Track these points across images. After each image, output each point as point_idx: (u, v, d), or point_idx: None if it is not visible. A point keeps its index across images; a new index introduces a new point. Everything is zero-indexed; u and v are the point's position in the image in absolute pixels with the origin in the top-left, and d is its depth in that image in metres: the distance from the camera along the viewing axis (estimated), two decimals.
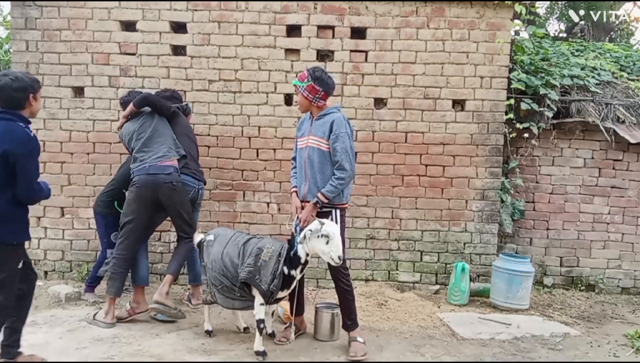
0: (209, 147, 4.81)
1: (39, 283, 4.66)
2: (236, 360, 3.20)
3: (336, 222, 3.26)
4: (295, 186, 3.47)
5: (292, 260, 3.17)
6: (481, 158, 4.82)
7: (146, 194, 3.72)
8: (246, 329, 3.68)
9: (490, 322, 4.10)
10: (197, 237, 3.69)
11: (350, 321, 3.40)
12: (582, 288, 5.11)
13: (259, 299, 3.22)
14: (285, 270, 3.17)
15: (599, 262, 5.14)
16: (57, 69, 4.77)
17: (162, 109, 3.94)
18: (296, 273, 3.21)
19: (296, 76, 3.59)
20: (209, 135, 4.81)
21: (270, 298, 3.21)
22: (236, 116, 4.81)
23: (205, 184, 4.24)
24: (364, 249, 4.87)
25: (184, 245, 3.91)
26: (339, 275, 3.35)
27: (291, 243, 3.25)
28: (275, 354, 3.30)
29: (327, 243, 3.01)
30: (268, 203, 4.87)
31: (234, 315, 3.74)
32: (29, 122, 2.78)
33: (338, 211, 3.31)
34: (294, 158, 3.56)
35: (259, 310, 3.21)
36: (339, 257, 3.02)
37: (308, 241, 3.07)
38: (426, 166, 4.83)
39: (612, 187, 5.09)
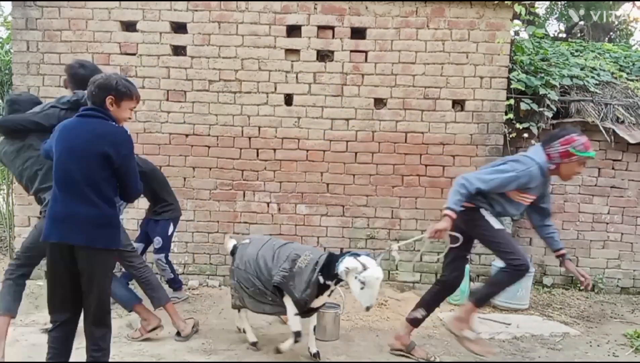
0: (209, 147, 4.82)
1: (39, 283, 4.69)
2: (236, 360, 3.21)
3: (481, 222, 3.05)
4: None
5: (331, 273, 2.95)
6: (481, 158, 4.82)
7: None
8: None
9: (490, 321, 4.11)
10: (230, 243, 3.53)
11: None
12: (582, 288, 5.10)
13: (292, 309, 3.05)
14: (321, 279, 2.97)
15: (599, 262, 5.15)
16: (58, 69, 4.77)
17: (28, 127, 3.05)
18: (331, 284, 3.00)
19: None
20: (209, 135, 4.81)
21: (304, 308, 3.04)
22: (236, 116, 4.82)
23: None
24: (364, 249, 4.87)
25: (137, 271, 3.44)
26: None
27: (334, 256, 3.02)
28: (275, 354, 3.31)
29: (362, 289, 2.79)
30: (268, 203, 4.88)
31: (239, 317, 3.55)
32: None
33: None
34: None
35: (294, 321, 3.05)
36: (367, 308, 2.80)
37: (346, 276, 2.87)
38: (426, 166, 4.84)
39: (611, 187, 5.09)
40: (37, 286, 4.60)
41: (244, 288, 3.22)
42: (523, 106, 4.86)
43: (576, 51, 6.14)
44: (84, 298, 2.48)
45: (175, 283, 4.37)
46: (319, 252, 3.13)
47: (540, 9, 11.16)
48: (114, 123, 2.50)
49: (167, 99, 4.81)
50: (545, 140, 3.06)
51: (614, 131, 4.92)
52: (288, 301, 3.05)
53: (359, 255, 2.88)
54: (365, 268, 2.78)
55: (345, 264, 2.85)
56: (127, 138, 2.48)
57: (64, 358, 2.52)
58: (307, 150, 4.82)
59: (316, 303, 3.08)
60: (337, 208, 4.87)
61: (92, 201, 2.39)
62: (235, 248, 3.44)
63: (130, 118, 2.64)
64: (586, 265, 5.14)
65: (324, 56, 4.81)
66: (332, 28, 4.76)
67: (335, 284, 3.01)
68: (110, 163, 2.41)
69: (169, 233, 4.22)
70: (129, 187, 2.54)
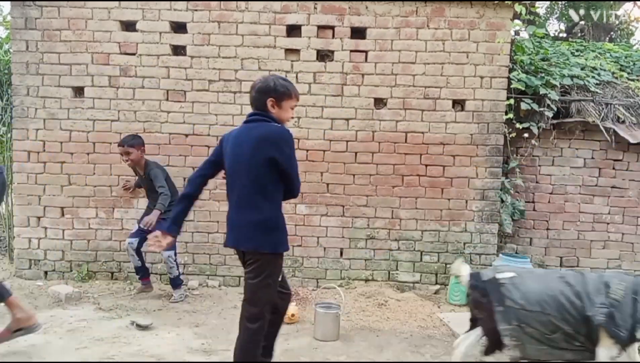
0: (208, 147, 4.80)
1: (38, 283, 4.69)
2: None
3: None
4: None
5: None
6: (481, 158, 4.82)
7: None
8: None
9: None
10: (464, 269, 2.97)
11: None
12: None
13: (610, 351, 2.57)
14: None
15: (599, 262, 5.14)
16: (57, 69, 4.77)
17: None
18: None
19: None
20: (209, 135, 4.81)
21: (628, 346, 2.62)
22: (236, 116, 4.81)
23: None
24: (364, 249, 4.87)
25: None
26: None
27: None
28: (274, 354, 3.30)
29: None
30: None
31: None
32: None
33: None
34: None
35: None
36: None
37: None
38: (426, 166, 4.84)
39: (612, 187, 5.09)
40: (36, 286, 4.60)
41: (541, 335, 2.66)
42: (523, 106, 4.85)
43: (577, 50, 6.13)
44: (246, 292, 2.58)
45: (177, 281, 4.41)
46: (625, 277, 2.71)
47: (541, 8, 11.15)
48: (276, 124, 2.53)
49: (167, 99, 4.81)
50: None
51: (614, 130, 4.91)
52: (605, 342, 2.58)
53: None
54: None
55: None
56: (288, 136, 2.51)
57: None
58: (307, 150, 4.81)
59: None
60: (337, 208, 4.87)
61: (259, 206, 2.47)
62: (475, 278, 2.87)
63: (292, 117, 2.66)
64: (587, 265, 5.13)
65: (324, 55, 4.81)
66: (332, 28, 4.75)
67: None
68: (277, 166, 2.46)
69: None
70: (293, 186, 2.56)
